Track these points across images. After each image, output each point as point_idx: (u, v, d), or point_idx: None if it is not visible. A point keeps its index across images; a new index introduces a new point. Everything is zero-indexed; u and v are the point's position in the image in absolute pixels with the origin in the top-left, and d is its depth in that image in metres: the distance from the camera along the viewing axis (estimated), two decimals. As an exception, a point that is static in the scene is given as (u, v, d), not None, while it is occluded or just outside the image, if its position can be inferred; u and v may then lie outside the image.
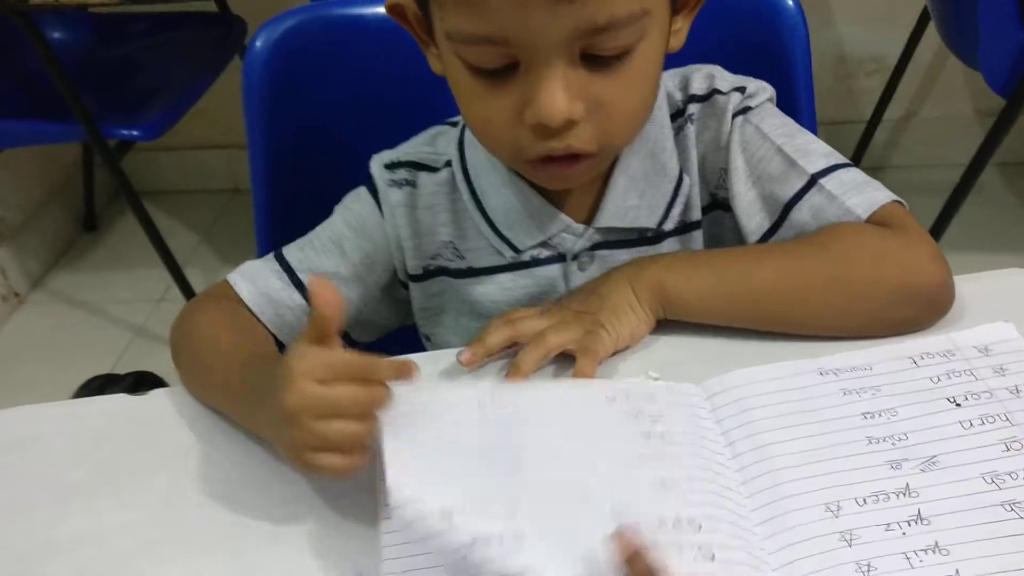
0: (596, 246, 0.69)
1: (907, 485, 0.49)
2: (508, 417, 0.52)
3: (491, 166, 0.69)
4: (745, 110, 0.68)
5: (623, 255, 0.69)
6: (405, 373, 0.51)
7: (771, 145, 0.67)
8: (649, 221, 0.68)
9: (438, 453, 0.49)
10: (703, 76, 0.70)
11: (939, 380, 0.55)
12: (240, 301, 0.67)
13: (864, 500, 0.49)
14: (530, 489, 0.48)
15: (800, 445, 0.52)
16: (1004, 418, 0.52)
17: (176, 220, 2.10)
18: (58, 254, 2.07)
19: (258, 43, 0.78)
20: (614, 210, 0.68)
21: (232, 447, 0.59)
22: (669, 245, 0.69)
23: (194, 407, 0.63)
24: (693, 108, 0.69)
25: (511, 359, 0.60)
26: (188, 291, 1.67)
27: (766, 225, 0.67)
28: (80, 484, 0.58)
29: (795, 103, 0.77)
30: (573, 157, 0.59)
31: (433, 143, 0.73)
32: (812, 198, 0.65)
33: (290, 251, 0.70)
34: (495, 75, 0.57)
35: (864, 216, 0.63)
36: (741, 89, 0.69)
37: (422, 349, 0.76)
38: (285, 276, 0.69)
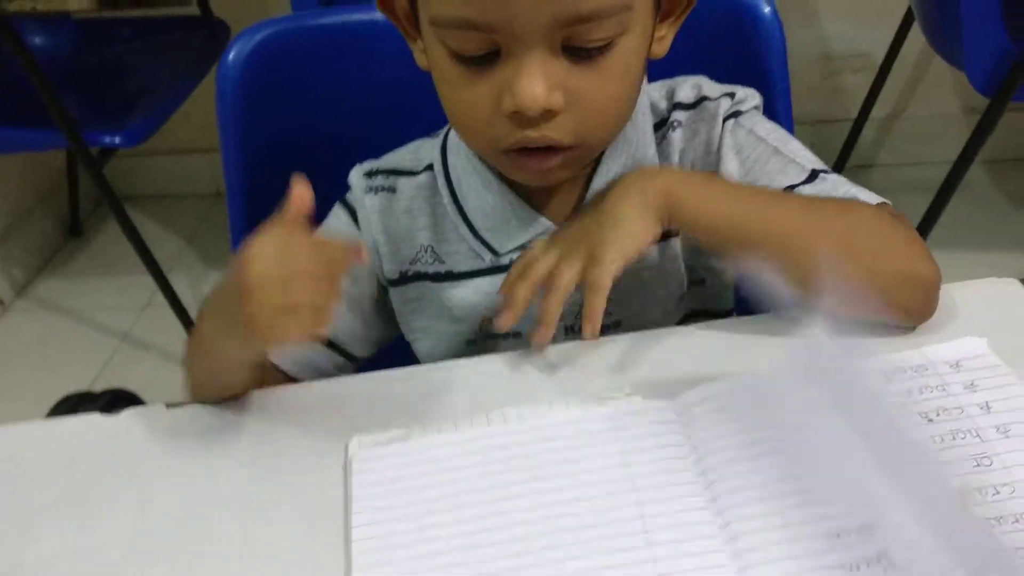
0: None
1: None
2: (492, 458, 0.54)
3: (472, 169, 0.68)
4: (736, 114, 0.68)
5: None
6: (355, 253, 0.53)
7: (767, 146, 0.67)
8: None
9: (408, 516, 0.51)
10: (690, 86, 0.70)
11: (911, 395, 0.55)
12: None
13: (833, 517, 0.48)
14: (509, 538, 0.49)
15: (770, 462, 0.52)
16: (975, 434, 0.52)
17: (161, 224, 2.10)
18: (43, 261, 2.06)
19: (231, 55, 0.77)
20: None
21: (205, 467, 0.59)
22: (648, 252, 0.68)
23: (168, 427, 0.62)
24: (679, 115, 0.69)
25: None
26: (172, 297, 1.66)
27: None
28: (50, 505, 0.57)
29: (773, 110, 0.77)
30: (549, 150, 0.59)
31: (416, 151, 0.73)
32: (816, 186, 0.65)
33: None
34: (477, 62, 0.57)
35: (872, 204, 0.63)
36: (730, 95, 0.69)
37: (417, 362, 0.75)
38: None
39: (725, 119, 0.68)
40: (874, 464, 0.50)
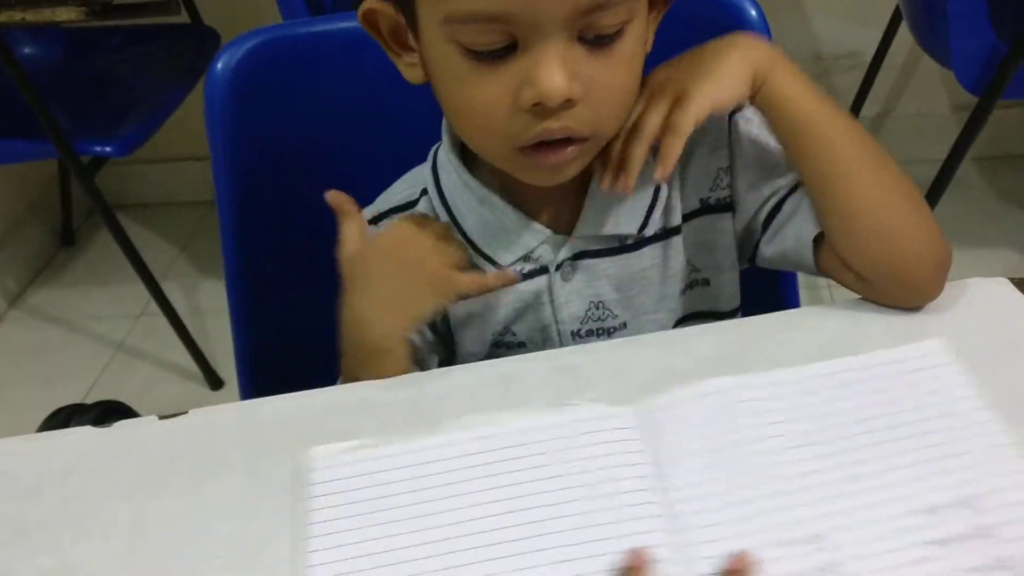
0: (578, 255, 0.69)
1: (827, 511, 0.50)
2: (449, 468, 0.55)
3: (463, 186, 0.68)
4: (739, 109, 0.69)
5: (605, 263, 0.69)
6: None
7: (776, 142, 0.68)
8: (629, 227, 0.68)
9: (367, 526, 0.52)
10: None
11: (866, 397, 0.55)
12: None
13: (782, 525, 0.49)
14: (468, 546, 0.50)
15: (726, 471, 0.52)
16: (921, 436, 0.52)
17: (154, 233, 2.09)
18: (36, 271, 2.06)
19: (219, 65, 0.77)
20: (595, 217, 0.68)
21: (198, 479, 0.58)
22: (650, 251, 0.69)
23: (160, 439, 0.62)
24: None
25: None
26: (166, 305, 1.66)
27: (786, 186, 0.67)
28: (43, 520, 0.57)
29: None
30: (567, 141, 0.60)
31: (409, 181, 0.73)
32: None
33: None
34: (491, 57, 0.57)
35: None
36: None
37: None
38: None
39: (731, 115, 0.69)
40: (828, 474, 0.51)
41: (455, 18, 0.56)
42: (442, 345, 0.74)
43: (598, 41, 0.57)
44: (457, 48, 0.57)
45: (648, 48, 0.63)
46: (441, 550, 0.50)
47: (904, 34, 1.74)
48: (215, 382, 1.69)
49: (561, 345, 0.70)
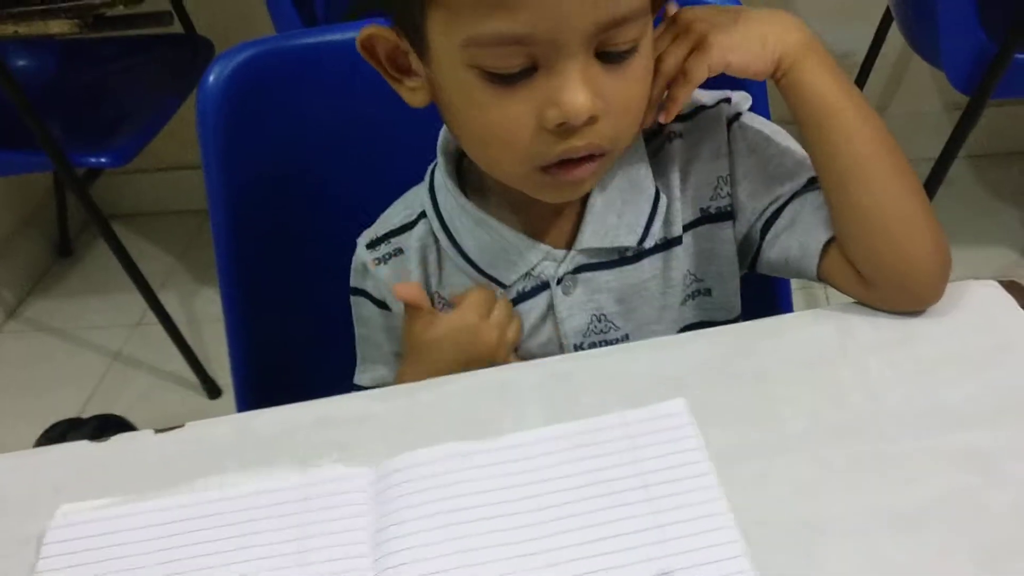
0: (578, 269, 0.69)
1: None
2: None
3: (460, 209, 0.69)
4: (737, 115, 0.69)
5: (606, 275, 0.69)
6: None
7: (777, 144, 0.68)
8: (629, 240, 0.68)
9: None
10: None
11: (601, 458, 0.54)
12: None
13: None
14: None
15: (445, 537, 0.51)
16: (647, 503, 0.51)
17: (151, 242, 2.09)
18: (33, 282, 2.06)
19: (211, 78, 0.77)
20: (594, 230, 0.68)
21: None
22: (650, 263, 0.69)
23: (156, 452, 0.62)
24: (676, 127, 0.69)
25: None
26: (163, 314, 1.66)
27: (785, 196, 0.67)
28: (40, 536, 0.57)
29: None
30: (589, 156, 0.60)
31: (407, 203, 0.74)
32: None
33: (360, 378, 0.77)
34: (511, 80, 0.57)
35: None
36: (727, 100, 0.70)
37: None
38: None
39: (729, 122, 0.69)
40: (549, 540, 0.50)
41: (478, 41, 0.56)
42: None
43: (615, 57, 0.58)
44: (476, 72, 0.57)
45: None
46: None
47: (895, 34, 1.75)
48: (213, 391, 1.69)
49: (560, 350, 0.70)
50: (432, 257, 0.72)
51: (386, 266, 0.72)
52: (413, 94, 0.64)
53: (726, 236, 0.70)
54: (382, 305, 0.74)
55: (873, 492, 0.52)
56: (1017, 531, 0.49)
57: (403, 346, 0.72)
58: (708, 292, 0.72)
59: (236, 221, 0.82)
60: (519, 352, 0.72)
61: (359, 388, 0.77)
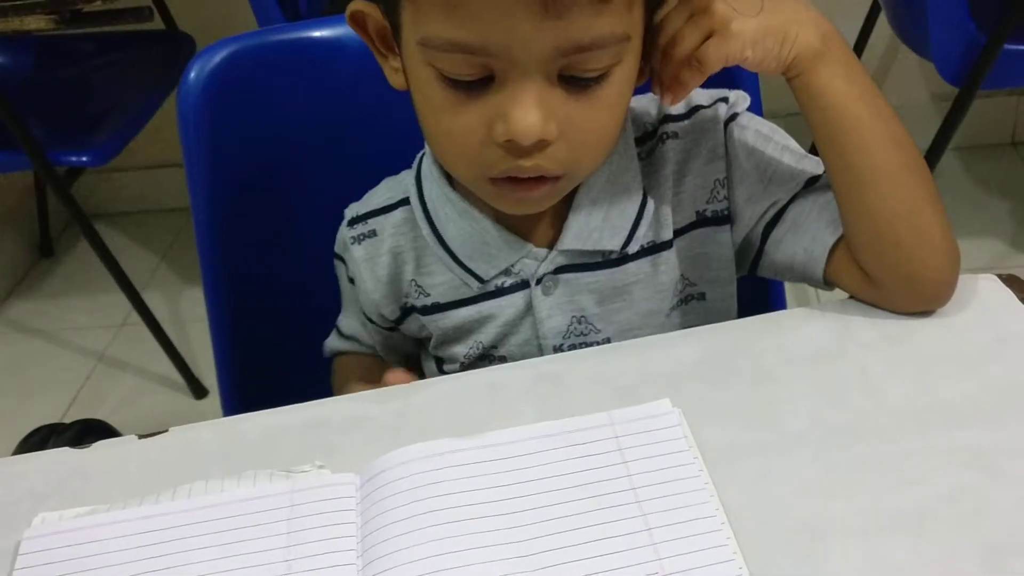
0: (559, 269, 0.68)
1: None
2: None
3: (445, 198, 0.68)
4: (734, 116, 0.67)
5: (587, 277, 0.68)
6: None
7: (776, 144, 0.67)
8: (612, 243, 0.67)
9: None
10: None
11: (588, 458, 0.53)
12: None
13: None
14: None
15: (430, 538, 0.50)
16: (636, 505, 0.50)
17: (134, 241, 2.07)
18: (14, 282, 2.03)
19: (192, 75, 0.76)
20: (577, 232, 0.66)
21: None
22: (636, 266, 0.68)
23: (139, 458, 0.61)
24: (671, 127, 0.68)
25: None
26: (147, 315, 1.64)
27: (785, 198, 0.66)
28: (15, 549, 0.56)
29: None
30: (538, 179, 0.58)
31: (392, 186, 0.73)
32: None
33: (341, 321, 0.81)
34: (468, 87, 0.55)
35: None
36: (724, 100, 0.68)
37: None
38: (345, 341, 0.80)
39: (726, 123, 0.67)
40: (532, 543, 0.49)
41: (430, 44, 0.55)
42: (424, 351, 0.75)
43: (581, 83, 0.55)
44: (434, 73, 0.56)
45: (644, 78, 0.61)
46: None
47: (882, 26, 1.74)
48: (199, 391, 1.67)
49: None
50: (406, 247, 0.71)
51: (360, 246, 0.72)
52: (395, 75, 0.62)
53: (723, 240, 0.69)
54: (352, 281, 0.75)
55: (874, 491, 0.51)
56: (1020, 529, 0.48)
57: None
58: (702, 296, 0.71)
59: (219, 218, 0.81)
60: (499, 350, 0.71)
61: (339, 329, 0.81)
